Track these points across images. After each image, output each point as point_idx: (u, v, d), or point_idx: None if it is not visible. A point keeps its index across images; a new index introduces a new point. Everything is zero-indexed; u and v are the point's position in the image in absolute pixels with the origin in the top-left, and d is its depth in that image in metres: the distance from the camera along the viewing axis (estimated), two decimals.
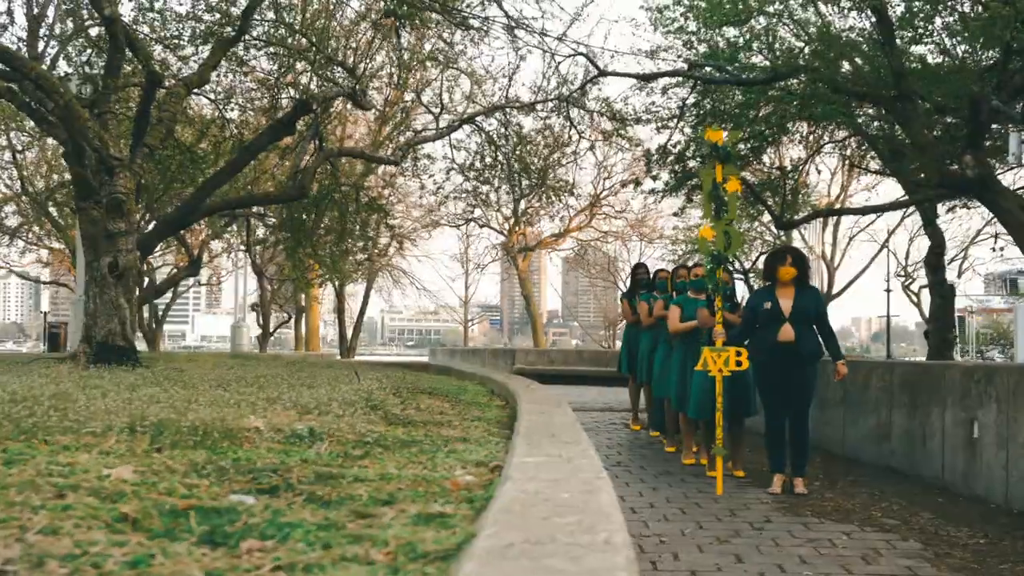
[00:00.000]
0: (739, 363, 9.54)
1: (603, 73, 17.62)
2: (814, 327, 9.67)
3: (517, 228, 47.37)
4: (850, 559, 6.79)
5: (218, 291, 65.97)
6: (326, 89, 17.92)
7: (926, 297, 39.46)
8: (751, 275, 35.01)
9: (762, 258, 36.24)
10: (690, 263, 14.49)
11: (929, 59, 18.48)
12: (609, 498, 2.28)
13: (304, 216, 20.47)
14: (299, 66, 19.51)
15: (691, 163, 17.91)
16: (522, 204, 35.66)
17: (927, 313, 25.82)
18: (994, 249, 50.56)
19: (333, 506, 2.76)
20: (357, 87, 17.07)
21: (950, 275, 41.24)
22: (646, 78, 17.09)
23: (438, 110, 20.19)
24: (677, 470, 10.93)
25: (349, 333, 53.47)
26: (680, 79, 17.40)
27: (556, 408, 4.99)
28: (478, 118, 19.63)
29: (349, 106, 22.17)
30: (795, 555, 6.89)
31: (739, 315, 10.50)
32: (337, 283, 50.85)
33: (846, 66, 16.86)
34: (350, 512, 2.67)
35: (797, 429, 9.71)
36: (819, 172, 44.20)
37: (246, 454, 3.78)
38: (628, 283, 14.68)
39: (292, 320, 55.02)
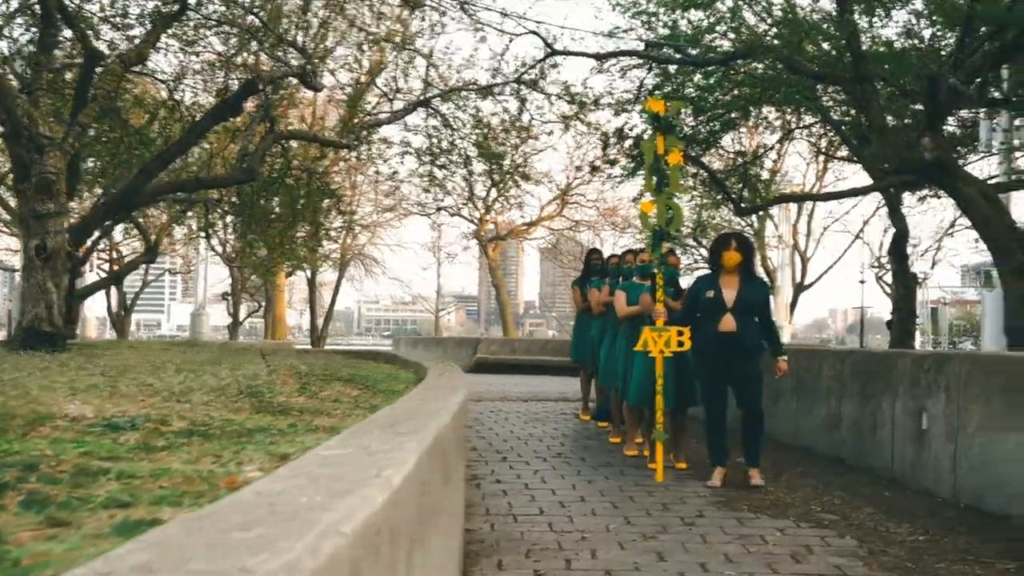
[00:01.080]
0: (681, 343, 9.27)
1: (555, 52, 17.13)
2: (755, 319, 9.28)
3: (487, 217, 47.02)
4: (779, 557, 6.36)
5: (190, 280, 65.24)
6: (275, 69, 17.39)
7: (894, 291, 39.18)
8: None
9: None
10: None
11: (896, 44, 18.12)
12: (358, 501, 1.81)
13: (255, 200, 19.92)
14: (251, 46, 18.97)
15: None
16: (493, 193, 35.30)
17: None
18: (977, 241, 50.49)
19: (39, 509, 2.33)
20: (308, 67, 16.55)
21: (923, 265, 41.13)
22: (600, 57, 16.59)
23: (393, 93, 19.77)
24: (618, 462, 10.50)
25: (321, 322, 53.06)
26: (640, 61, 16.94)
27: (440, 396, 4.54)
28: (434, 101, 19.16)
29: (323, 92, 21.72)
30: (721, 553, 6.46)
31: (681, 302, 10.05)
32: (308, 271, 50.60)
33: (809, 49, 16.44)
34: (47, 518, 2.23)
35: (750, 421, 9.23)
36: (803, 158, 43.80)
37: (22, 445, 3.35)
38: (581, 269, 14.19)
39: (263, 309, 54.52)
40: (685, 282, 11.32)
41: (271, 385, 6.53)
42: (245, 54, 19.52)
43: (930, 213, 51.07)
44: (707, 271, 9.88)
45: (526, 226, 49.67)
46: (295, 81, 18.36)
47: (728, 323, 9.03)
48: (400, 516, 2.23)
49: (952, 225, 49.22)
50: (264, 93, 16.94)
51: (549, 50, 17.16)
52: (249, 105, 18.12)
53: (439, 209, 45.88)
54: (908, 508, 8.18)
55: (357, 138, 18.16)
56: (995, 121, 22.52)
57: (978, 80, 11.94)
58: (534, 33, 16.94)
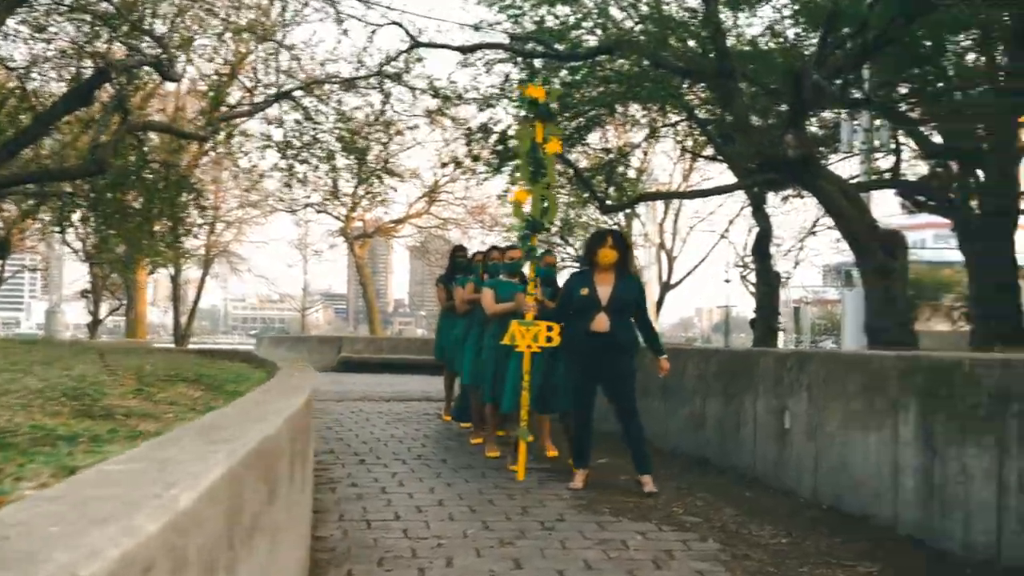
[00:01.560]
0: (550, 339, 9.04)
1: (418, 44, 16.82)
2: (632, 319, 8.95)
3: (354, 214, 46.45)
4: (640, 563, 6.16)
5: (49, 277, 63.23)
6: (129, 58, 16.71)
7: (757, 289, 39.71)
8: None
9: None
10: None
11: (761, 42, 18.20)
12: (117, 531, 1.49)
13: (110, 194, 19.14)
14: (105, 34, 18.23)
15: (514, 143, 17.22)
16: (360, 190, 34.77)
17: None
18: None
19: None
20: (164, 57, 15.92)
21: (786, 265, 41.70)
22: (465, 50, 16.30)
23: (254, 85, 19.21)
24: (479, 463, 10.23)
25: (185, 321, 51.85)
26: (505, 55, 16.71)
27: (277, 399, 4.20)
28: (296, 94, 18.67)
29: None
30: (581, 559, 6.23)
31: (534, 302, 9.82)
32: (171, 269, 49.39)
33: (675, 45, 16.39)
34: None
35: (628, 425, 8.87)
36: (669, 158, 44.20)
37: None
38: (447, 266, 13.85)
39: (124, 307, 53.06)
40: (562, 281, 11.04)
41: (101, 387, 6.10)
42: (99, 42, 18.76)
43: (793, 213, 52.14)
44: (580, 269, 9.67)
45: (393, 224, 49.20)
46: (153, 71, 17.70)
47: (601, 322, 8.71)
48: (193, 541, 1.91)
49: (814, 225, 50.22)
50: (118, 82, 16.24)
51: (413, 42, 16.83)
52: (104, 95, 17.41)
53: (306, 206, 45.24)
54: (770, 509, 8.08)
55: (216, 130, 17.58)
56: (856, 122, 22.88)
57: (841, 79, 11.95)
58: (397, 24, 16.61)
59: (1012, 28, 15.28)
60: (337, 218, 47.14)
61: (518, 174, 10.79)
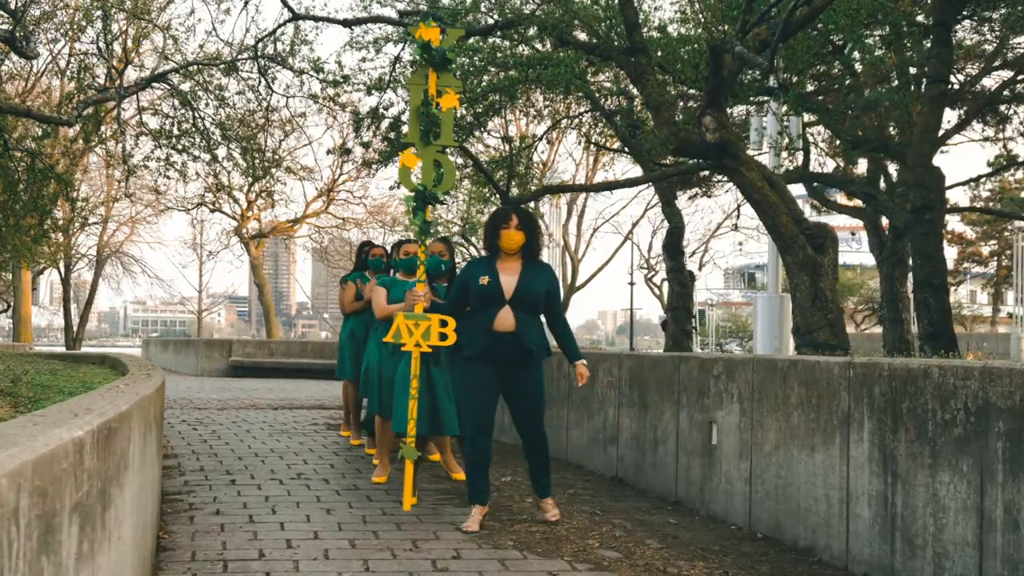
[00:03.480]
0: (443, 336, 7.54)
1: (297, 16, 15.52)
2: (541, 316, 7.53)
3: (249, 213, 44.99)
4: None
5: None
6: None
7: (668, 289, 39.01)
8: None
9: None
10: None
11: (671, 30, 17.31)
12: None
13: None
14: None
15: (407, 128, 15.96)
16: (251, 187, 33.35)
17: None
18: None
19: None
20: (18, 32, 14.39)
21: (691, 266, 41.06)
22: (347, 23, 15.05)
23: (123, 66, 17.69)
24: (366, 485, 9.00)
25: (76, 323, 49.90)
26: (397, 35, 15.51)
27: (93, 404, 3.01)
28: (173, 77, 17.23)
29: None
30: None
31: (424, 290, 8.47)
32: (61, 269, 47.49)
33: (580, 22, 15.32)
34: None
35: (533, 443, 7.49)
36: (573, 160, 43.42)
37: None
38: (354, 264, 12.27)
39: (10, 309, 50.90)
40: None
41: None
42: None
43: (698, 215, 51.65)
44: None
45: (290, 223, 47.71)
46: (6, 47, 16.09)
47: (505, 319, 7.23)
48: None
49: (718, 227, 49.91)
50: None
51: (292, 14, 15.52)
52: None
53: (198, 205, 43.71)
54: (699, 540, 6.97)
55: (79, 114, 16.08)
56: (764, 118, 22.16)
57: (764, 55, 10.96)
58: None
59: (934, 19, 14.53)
60: (232, 217, 45.65)
61: (405, 133, 9.49)
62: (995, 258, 59.18)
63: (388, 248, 11.41)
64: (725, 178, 24.91)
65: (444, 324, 7.55)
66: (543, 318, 7.61)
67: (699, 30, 16.38)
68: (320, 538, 6.81)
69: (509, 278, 7.29)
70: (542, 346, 7.41)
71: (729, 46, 10.49)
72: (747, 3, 10.36)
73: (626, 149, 21.29)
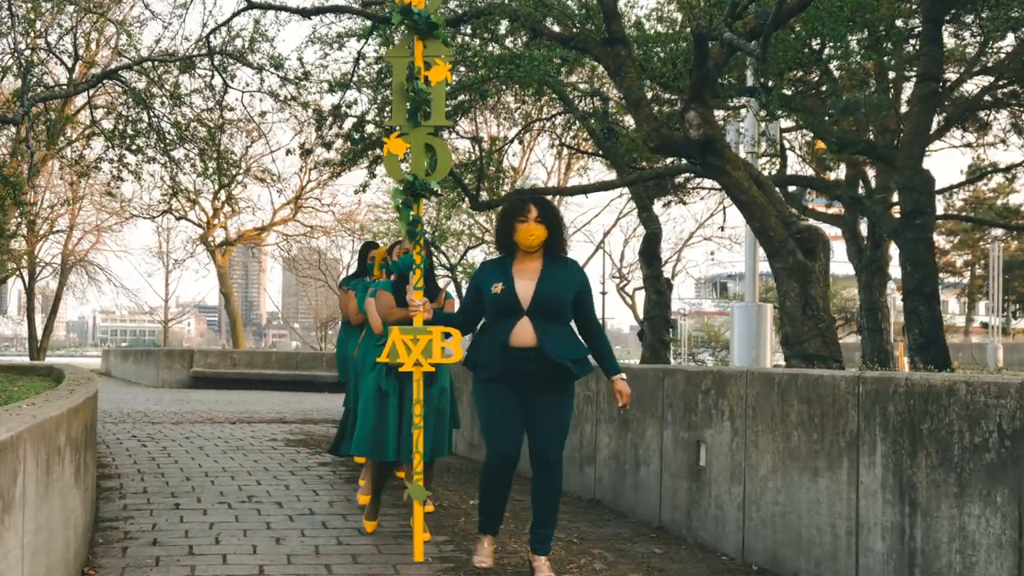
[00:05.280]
0: (448, 351, 6.36)
1: (252, 5, 14.76)
2: (571, 325, 6.26)
3: (215, 221, 44.15)
4: None
5: None
6: None
7: (641, 299, 38.44)
8: (459, 270, 32.47)
9: (471, 254, 33.87)
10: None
11: (647, 26, 16.70)
12: None
13: None
14: None
15: (371, 128, 15.22)
16: (213, 194, 32.57)
17: (642, 314, 24.29)
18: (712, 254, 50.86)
19: None
20: None
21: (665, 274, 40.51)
22: (305, 12, 14.31)
23: (73, 61, 16.90)
24: (322, 509, 8.28)
25: (40, 333, 48.92)
26: (360, 28, 14.76)
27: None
28: (126, 74, 16.45)
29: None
30: None
31: (440, 306, 7.35)
32: (25, 278, 46.56)
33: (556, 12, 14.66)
34: None
35: (546, 482, 6.17)
36: (544, 167, 42.84)
37: None
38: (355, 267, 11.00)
39: None
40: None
41: None
42: None
43: (671, 223, 51.21)
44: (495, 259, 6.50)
45: (257, 231, 46.83)
46: None
47: (523, 333, 6.00)
48: None
49: (691, 236, 49.42)
50: None
51: (247, 3, 14.76)
52: None
53: (163, 212, 42.81)
54: (688, 573, 6.28)
55: (27, 112, 15.21)
56: (741, 123, 21.63)
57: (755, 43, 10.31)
58: None
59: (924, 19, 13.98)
60: (198, 225, 44.79)
61: (389, 114, 8.27)
62: (969, 268, 59.04)
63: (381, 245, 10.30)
64: (702, 184, 24.41)
65: (448, 337, 6.36)
66: (573, 326, 6.30)
67: (676, 28, 15.77)
68: (265, 574, 6.09)
69: (526, 283, 6.06)
70: (579, 360, 6.15)
71: (716, 33, 9.82)
72: None
73: (600, 153, 20.65)
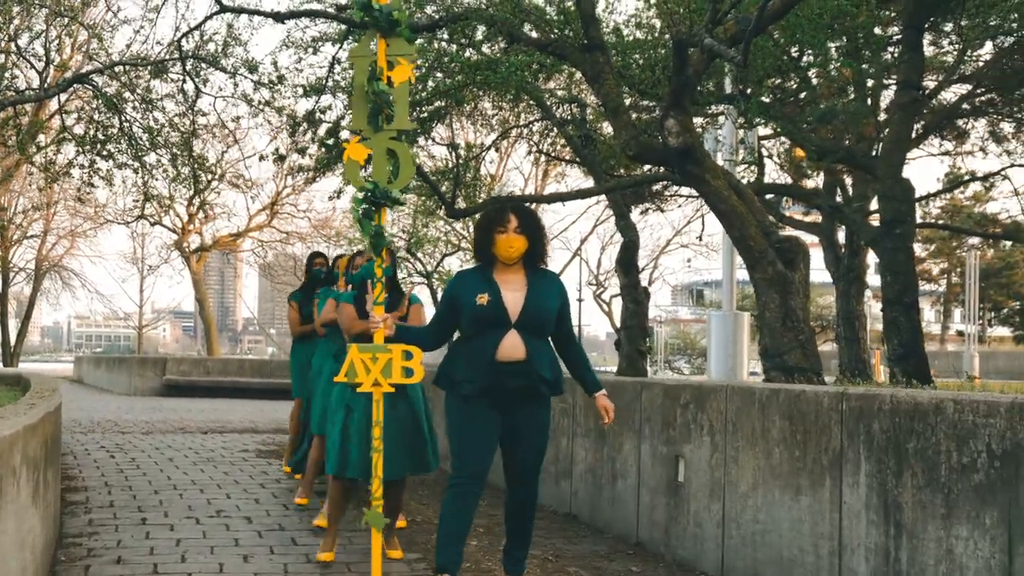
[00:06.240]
0: (408, 371, 5.88)
1: (225, 8, 14.55)
2: (550, 339, 5.97)
3: (190, 226, 43.86)
4: None
5: None
6: None
7: (616, 306, 38.36)
8: (435, 278, 32.26)
9: (447, 262, 33.62)
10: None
11: (626, 32, 16.58)
12: None
13: None
14: None
15: (345, 134, 15.02)
16: (194, 199, 32.37)
17: (619, 323, 24.18)
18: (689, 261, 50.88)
19: None
20: None
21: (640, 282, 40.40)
22: (279, 16, 14.07)
23: (42, 65, 16.65)
24: (292, 525, 8.09)
25: (14, 338, 48.51)
26: (335, 33, 14.59)
27: None
28: (95, 77, 16.21)
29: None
30: None
31: (403, 314, 6.98)
32: None
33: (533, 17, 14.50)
34: None
35: (521, 501, 5.99)
36: (522, 174, 42.73)
37: None
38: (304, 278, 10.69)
39: None
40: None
41: None
42: None
43: (647, 231, 51.01)
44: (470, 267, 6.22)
45: (233, 237, 46.55)
46: None
47: (513, 346, 5.70)
48: None
49: (668, 244, 49.37)
50: None
51: (219, 6, 14.54)
52: None
53: (138, 218, 42.47)
54: None
55: None
56: (719, 130, 21.54)
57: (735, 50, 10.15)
58: None
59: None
60: (173, 231, 44.48)
61: (349, 117, 7.79)
62: (945, 276, 59.27)
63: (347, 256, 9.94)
64: (679, 191, 24.30)
65: (408, 356, 5.89)
66: (551, 341, 6.00)
67: (656, 34, 15.64)
68: None
69: (514, 294, 5.76)
70: (557, 378, 5.89)
71: (696, 39, 9.67)
72: None
73: (578, 160, 20.52)
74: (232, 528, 7.88)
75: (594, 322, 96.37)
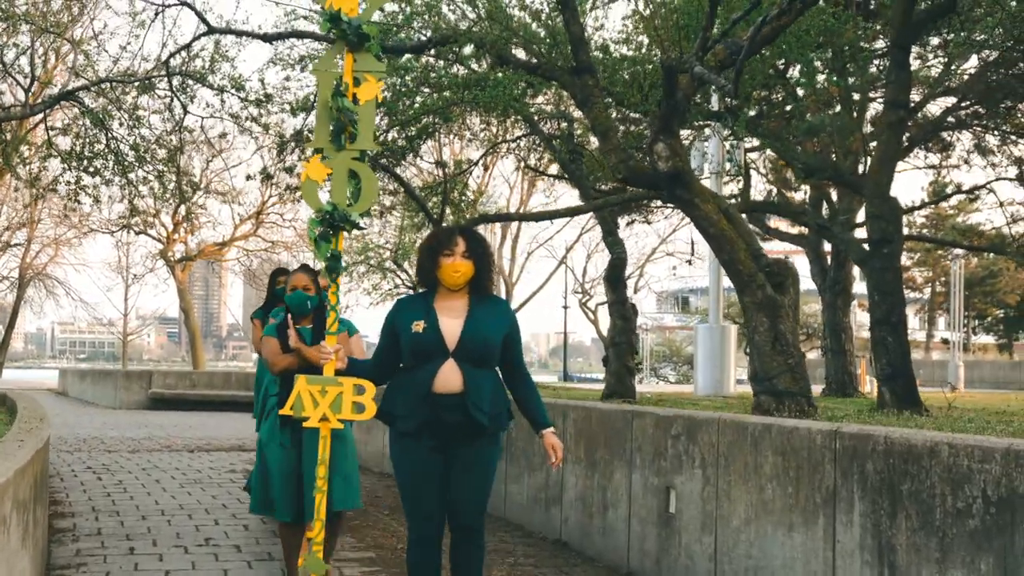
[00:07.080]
0: (360, 407, 5.46)
1: (213, 30, 14.54)
2: (496, 370, 5.57)
3: (175, 236, 43.76)
4: None
5: None
6: None
7: (603, 314, 38.41)
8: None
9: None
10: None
11: (613, 50, 16.59)
12: None
13: None
14: None
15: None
16: (177, 210, 32.28)
17: (604, 330, 24.09)
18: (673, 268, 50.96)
19: None
20: None
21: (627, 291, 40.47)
22: (267, 38, 14.06)
23: (28, 81, 16.59)
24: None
25: None
26: (320, 48, 14.58)
27: None
28: (81, 94, 16.16)
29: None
30: None
31: (336, 345, 5.76)
32: None
33: (521, 39, 14.49)
34: None
35: (464, 540, 5.52)
36: (508, 184, 42.74)
37: None
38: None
39: None
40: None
41: None
42: None
43: (633, 239, 51.12)
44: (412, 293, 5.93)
45: (218, 247, 46.43)
46: None
47: (449, 378, 5.29)
48: None
49: (653, 252, 49.50)
50: None
51: (207, 28, 14.51)
52: None
53: (123, 227, 42.34)
54: None
55: None
56: (706, 144, 21.60)
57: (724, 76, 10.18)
58: (186, 5, 14.12)
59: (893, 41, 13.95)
60: (158, 240, 44.38)
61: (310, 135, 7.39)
62: (930, 284, 59.46)
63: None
64: (667, 205, 24.32)
65: (360, 391, 5.49)
66: (499, 371, 5.60)
67: (643, 51, 15.66)
68: None
69: (452, 321, 5.37)
70: (500, 413, 5.46)
71: (686, 66, 9.68)
72: (708, 18, 9.51)
73: (566, 176, 20.54)
74: (221, 558, 7.84)
75: (579, 329, 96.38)
